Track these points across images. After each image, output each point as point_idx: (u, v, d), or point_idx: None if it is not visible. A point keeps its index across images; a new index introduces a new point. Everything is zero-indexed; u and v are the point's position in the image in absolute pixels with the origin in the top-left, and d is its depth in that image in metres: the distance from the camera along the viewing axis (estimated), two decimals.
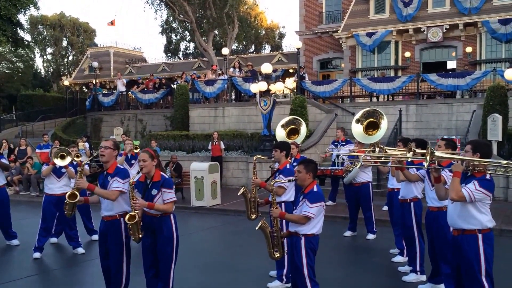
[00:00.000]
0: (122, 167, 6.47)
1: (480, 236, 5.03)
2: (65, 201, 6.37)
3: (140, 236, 5.85)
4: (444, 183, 5.77)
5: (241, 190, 6.95)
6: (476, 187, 4.96)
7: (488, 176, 5.09)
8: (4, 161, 10.03)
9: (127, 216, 5.80)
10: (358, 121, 9.79)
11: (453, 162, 5.72)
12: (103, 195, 6.10)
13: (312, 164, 5.80)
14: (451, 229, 5.36)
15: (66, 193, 6.59)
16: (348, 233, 10.55)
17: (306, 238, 5.60)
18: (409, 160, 6.65)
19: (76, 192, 6.27)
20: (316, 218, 5.58)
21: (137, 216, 5.76)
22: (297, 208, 5.75)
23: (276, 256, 5.87)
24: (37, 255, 8.95)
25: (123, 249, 6.21)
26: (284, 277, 7.09)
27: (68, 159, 8.49)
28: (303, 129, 12.09)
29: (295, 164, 9.96)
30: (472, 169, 5.10)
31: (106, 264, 6.30)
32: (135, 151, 12.59)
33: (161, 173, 6.02)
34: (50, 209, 9.24)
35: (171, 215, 6.02)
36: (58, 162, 8.57)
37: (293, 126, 12.01)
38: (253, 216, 6.93)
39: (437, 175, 5.42)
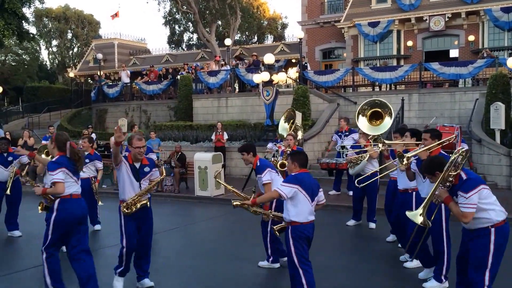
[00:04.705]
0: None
1: (492, 230, 5.01)
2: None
3: None
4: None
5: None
6: (465, 197, 4.91)
7: (464, 175, 5.04)
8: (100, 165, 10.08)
9: None
10: (362, 112, 9.73)
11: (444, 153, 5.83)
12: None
13: (298, 154, 5.96)
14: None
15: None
16: (351, 222, 10.60)
17: (292, 227, 5.72)
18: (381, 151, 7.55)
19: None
20: (294, 205, 5.66)
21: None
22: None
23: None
24: None
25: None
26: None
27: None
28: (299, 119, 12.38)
29: None
30: (450, 181, 5.05)
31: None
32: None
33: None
34: None
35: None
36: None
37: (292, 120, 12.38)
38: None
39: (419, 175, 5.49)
